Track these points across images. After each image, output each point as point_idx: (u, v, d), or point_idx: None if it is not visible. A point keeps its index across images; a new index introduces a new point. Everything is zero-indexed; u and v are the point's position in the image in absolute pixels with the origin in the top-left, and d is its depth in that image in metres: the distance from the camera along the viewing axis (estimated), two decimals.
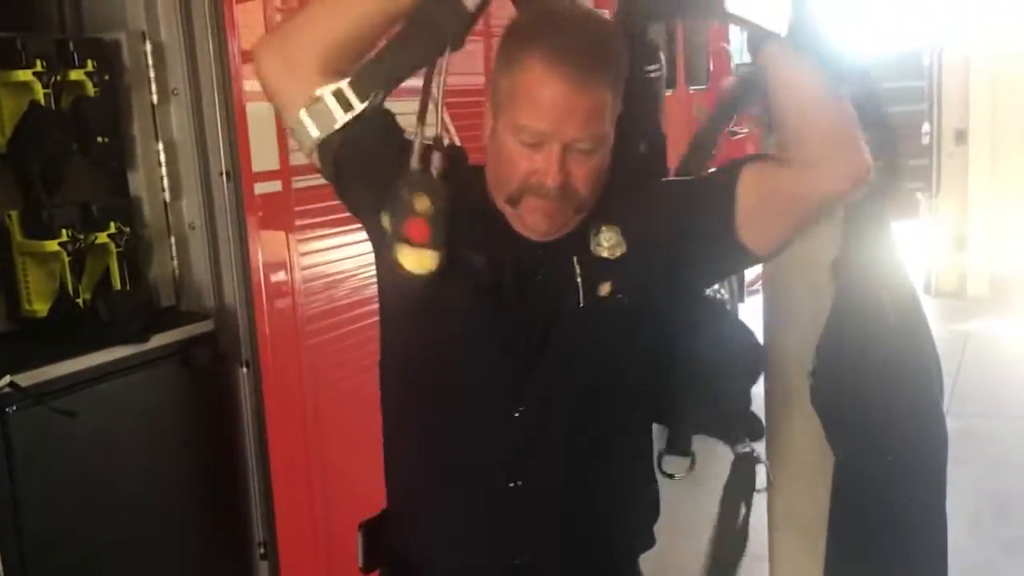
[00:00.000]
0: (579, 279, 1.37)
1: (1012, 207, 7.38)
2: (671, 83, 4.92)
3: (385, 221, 1.33)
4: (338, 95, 1.35)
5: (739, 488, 1.61)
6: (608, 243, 1.39)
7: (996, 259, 7.53)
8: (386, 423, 1.51)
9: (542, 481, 1.41)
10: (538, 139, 1.29)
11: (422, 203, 1.31)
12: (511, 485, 1.39)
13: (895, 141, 1.72)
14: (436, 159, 1.34)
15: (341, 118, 1.35)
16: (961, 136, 7.45)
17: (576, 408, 1.40)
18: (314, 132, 1.36)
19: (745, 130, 5.62)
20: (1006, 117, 7.37)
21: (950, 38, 7.40)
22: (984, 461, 4.38)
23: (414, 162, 1.34)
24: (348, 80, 1.35)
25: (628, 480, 1.51)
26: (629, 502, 1.52)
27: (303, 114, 1.36)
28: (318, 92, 1.35)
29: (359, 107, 1.35)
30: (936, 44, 7.44)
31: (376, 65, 1.36)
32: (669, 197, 1.47)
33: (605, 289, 1.38)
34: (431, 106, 1.36)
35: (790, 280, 1.99)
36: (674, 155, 5.18)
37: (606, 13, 1.52)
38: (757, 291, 5.85)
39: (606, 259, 1.38)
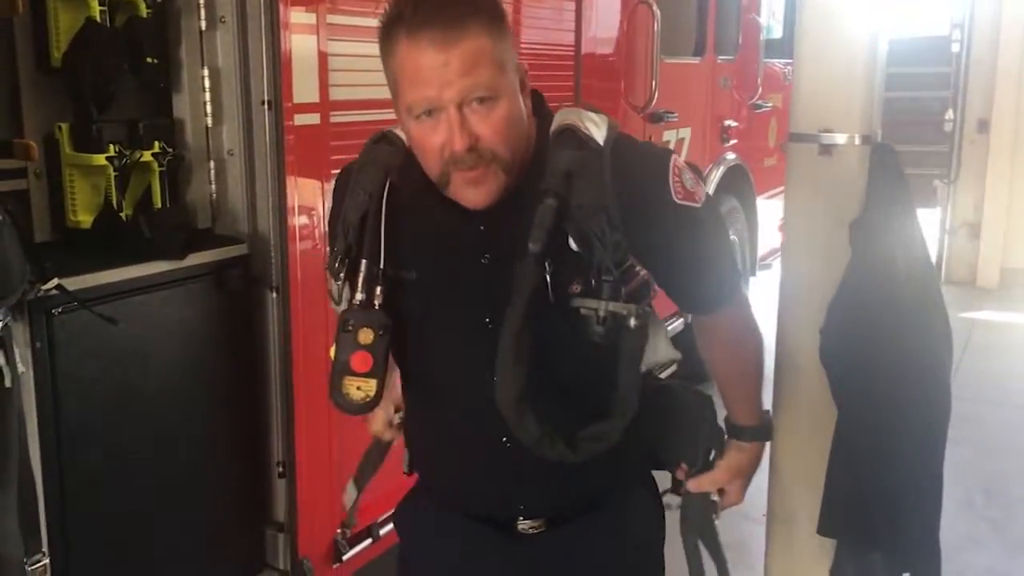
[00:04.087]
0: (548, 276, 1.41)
1: None
2: (699, 51, 4.95)
3: (332, 351, 1.47)
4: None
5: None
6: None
7: (1009, 250, 7.58)
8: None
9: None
10: (430, 107, 1.32)
11: (366, 336, 1.44)
12: (504, 440, 1.48)
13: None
14: (378, 291, 1.45)
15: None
16: (983, 125, 7.45)
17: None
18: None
19: (769, 104, 5.65)
20: None
21: (979, 26, 7.38)
22: (977, 444, 4.48)
23: (358, 296, 1.45)
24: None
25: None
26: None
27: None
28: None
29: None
30: (965, 31, 7.43)
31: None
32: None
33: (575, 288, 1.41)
34: (372, 238, 1.45)
35: (809, 238, 2.06)
36: (696, 120, 5.18)
37: None
38: (768, 265, 5.92)
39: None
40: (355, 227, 1.46)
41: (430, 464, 1.65)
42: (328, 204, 2.44)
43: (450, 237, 1.45)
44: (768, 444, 1.82)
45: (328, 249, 1.63)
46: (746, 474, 1.71)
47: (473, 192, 1.38)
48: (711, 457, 1.67)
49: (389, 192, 1.46)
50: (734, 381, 1.69)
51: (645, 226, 1.42)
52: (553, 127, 1.43)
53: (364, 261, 1.46)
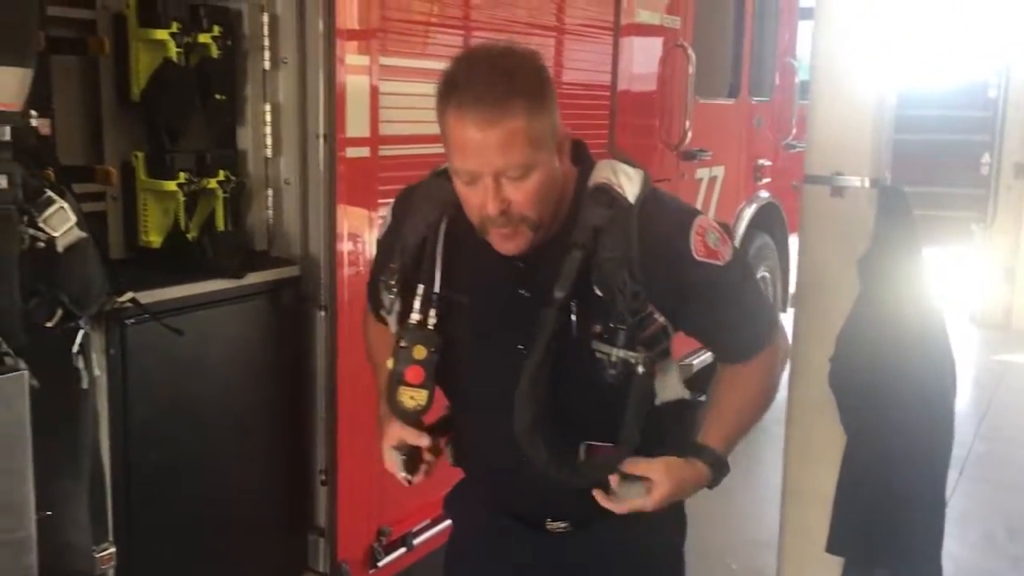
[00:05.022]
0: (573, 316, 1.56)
1: None
2: (734, 92, 5.11)
3: (388, 363, 1.65)
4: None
5: None
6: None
7: None
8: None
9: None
10: (471, 177, 1.50)
11: (420, 352, 1.62)
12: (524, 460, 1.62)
13: None
14: (432, 312, 1.63)
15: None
16: (1020, 169, 7.50)
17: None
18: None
19: (804, 145, 5.77)
20: None
21: (1017, 71, 7.45)
22: (1002, 483, 4.54)
23: (414, 317, 1.63)
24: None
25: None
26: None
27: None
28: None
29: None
30: (1003, 77, 7.50)
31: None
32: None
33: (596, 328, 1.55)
34: (429, 264, 1.63)
35: (821, 273, 2.21)
36: (729, 158, 5.38)
37: None
38: None
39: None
40: (412, 251, 1.64)
41: (469, 465, 1.82)
42: (374, 231, 2.68)
43: (495, 269, 1.62)
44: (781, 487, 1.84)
45: (376, 260, 1.81)
46: (675, 483, 1.59)
47: (505, 245, 1.57)
48: None
49: (447, 223, 1.64)
50: (727, 407, 1.68)
51: (666, 280, 1.57)
52: (590, 182, 1.59)
53: (421, 285, 1.63)
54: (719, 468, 1.63)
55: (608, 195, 1.56)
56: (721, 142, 4.84)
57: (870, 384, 2.07)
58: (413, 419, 1.67)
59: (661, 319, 1.56)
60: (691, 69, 4.25)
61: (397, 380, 1.63)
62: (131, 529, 2.21)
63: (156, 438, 2.26)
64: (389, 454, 1.71)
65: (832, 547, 2.17)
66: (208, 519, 2.43)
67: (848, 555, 2.18)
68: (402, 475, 1.70)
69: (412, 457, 1.70)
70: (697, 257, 1.56)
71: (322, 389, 2.64)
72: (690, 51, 4.25)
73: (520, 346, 1.60)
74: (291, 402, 2.64)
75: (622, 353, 1.53)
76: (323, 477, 2.68)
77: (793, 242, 5.76)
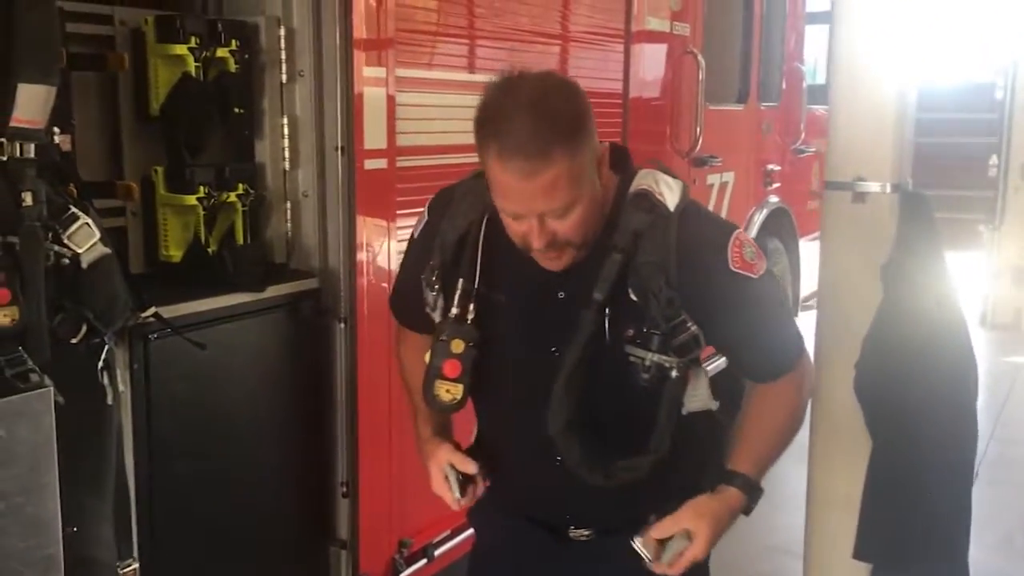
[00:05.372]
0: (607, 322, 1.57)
1: None
2: (743, 98, 5.11)
3: (426, 356, 1.65)
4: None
5: None
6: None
7: None
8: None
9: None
10: (516, 216, 1.52)
11: (458, 346, 1.63)
12: (557, 459, 1.63)
13: None
14: (471, 308, 1.63)
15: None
16: None
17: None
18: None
19: (812, 149, 5.78)
20: None
21: None
22: (1018, 485, 4.52)
23: (453, 311, 1.64)
24: None
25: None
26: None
27: None
28: None
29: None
30: (1010, 78, 7.50)
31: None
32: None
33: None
34: (469, 261, 1.64)
35: (844, 279, 2.20)
36: (739, 164, 5.38)
37: None
38: (811, 307, 6.01)
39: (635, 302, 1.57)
40: (452, 246, 1.65)
41: (495, 469, 1.80)
42: (392, 243, 2.68)
43: (533, 271, 1.62)
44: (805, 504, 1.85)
45: (408, 260, 1.80)
46: (711, 519, 1.59)
47: (550, 264, 1.59)
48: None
49: (487, 222, 1.64)
50: (756, 432, 1.69)
51: (701, 290, 1.57)
52: (631, 189, 1.60)
53: (461, 280, 1.64)
54: (752, 493, 1.63)
55: (649, 201, 1.57)
56: (731, 148, 4.84)
57: (896, 388, 2.06)
58: (448, 412, 1.68)
59: (694, 328, 1.56)
60: (701, 76, 4.26)
61: (435, 374, 1.64)
62: (155, 544, 2.21)
63: (179, 452, 2.26)
64: (440, 476, 1.72)
65: (859, 553, 2.16)
66: (230, 533, 2.43)
67: (876, 561, 2.17)
68: (455, 496, 1.71)
69: (462, 480, 1.72)
70: (733, 268, 1.57)
71: (342, 401, 2.64)
72: (700, 58, 4.25)
73: (553, 348, 1.61)
74: (312, 414, 2.63)
75: (656, 357, 1.54)
76: (344, 489, 2.68)
77: (803, 247, 5.77)
